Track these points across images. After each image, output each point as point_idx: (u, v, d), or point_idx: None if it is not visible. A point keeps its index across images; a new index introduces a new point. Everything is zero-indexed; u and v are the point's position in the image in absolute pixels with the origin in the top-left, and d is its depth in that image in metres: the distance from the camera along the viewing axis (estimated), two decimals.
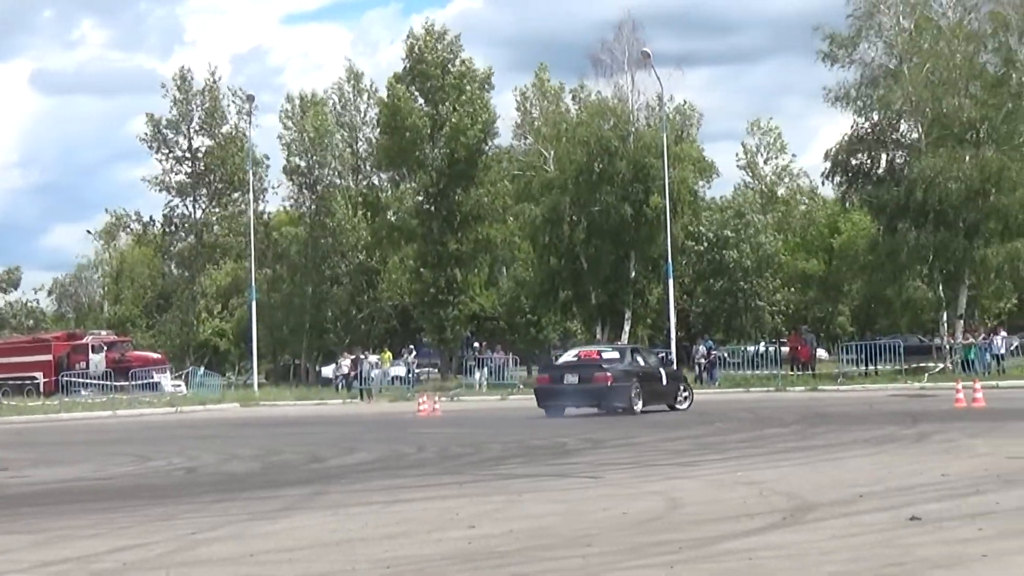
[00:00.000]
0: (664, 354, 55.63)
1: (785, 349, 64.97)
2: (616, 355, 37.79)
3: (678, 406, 37.33)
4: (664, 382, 37.77)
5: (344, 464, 22.78)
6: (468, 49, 77.99)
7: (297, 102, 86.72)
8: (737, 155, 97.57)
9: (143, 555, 12.27)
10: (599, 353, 38.54)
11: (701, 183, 72.69)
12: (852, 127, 60.68)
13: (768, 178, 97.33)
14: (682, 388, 38.49)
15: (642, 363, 37.74)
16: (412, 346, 70.94)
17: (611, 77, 67.09)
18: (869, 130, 60.33)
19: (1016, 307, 79.27)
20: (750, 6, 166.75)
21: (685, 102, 73.32)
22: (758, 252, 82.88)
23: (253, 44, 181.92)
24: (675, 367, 50.42)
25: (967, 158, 54.32)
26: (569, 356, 39.60)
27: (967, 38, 57.42)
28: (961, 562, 10.13)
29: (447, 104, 74.76)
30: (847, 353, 59.54)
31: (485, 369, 61.95)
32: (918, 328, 71.92)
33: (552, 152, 68.43)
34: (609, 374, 35.70)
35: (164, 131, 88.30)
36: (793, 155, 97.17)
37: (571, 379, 36.26)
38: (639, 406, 35.57)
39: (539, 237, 68.02)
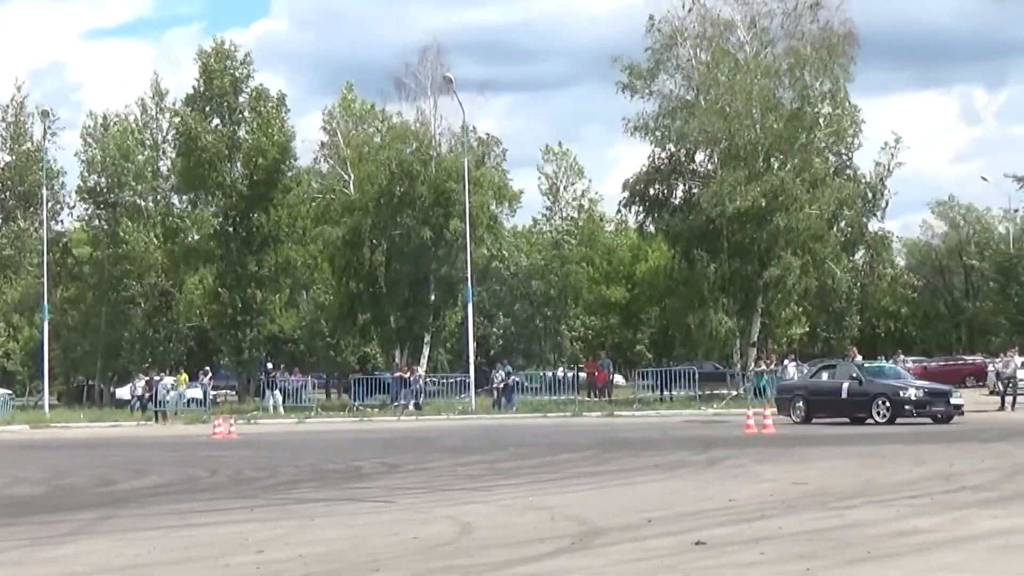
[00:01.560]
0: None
1: (583, 375, 65.52)
2: None
3: None
4: None
5: (135, 487, 22.44)
6: (272, 71, 78.32)
7: (100, 120, 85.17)
8: (538, 179, 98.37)
9: None
10: None
11: (503, 209, 72.79)
12: (650, 157, 61.51)
13: (569, 205, 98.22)
14: None
15: None
16: (208, 368, 70.04)
17: (414, 101, 67.09)
18: (666, 160, 61.17)
19: (807, 336, 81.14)
20: (554, 35, 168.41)
21: (487, 135, 73.46)
22: (565, 281, 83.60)
23: (52, 59, 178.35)
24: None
25: (759, 188, 55.36)
26: None
27: (764, 72, 58.58)
28: None
29: (244, 125, 74.19)
30: (644, 379, 60.25)
31: (278, 392, 61.36)
32: (714, 355, 73.16)
33: (353, 175, 68.14)
34: None
35: None
36: (589, 180, 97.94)
37: None
38: None
39: (339, 259, 67.64)
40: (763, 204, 55.43)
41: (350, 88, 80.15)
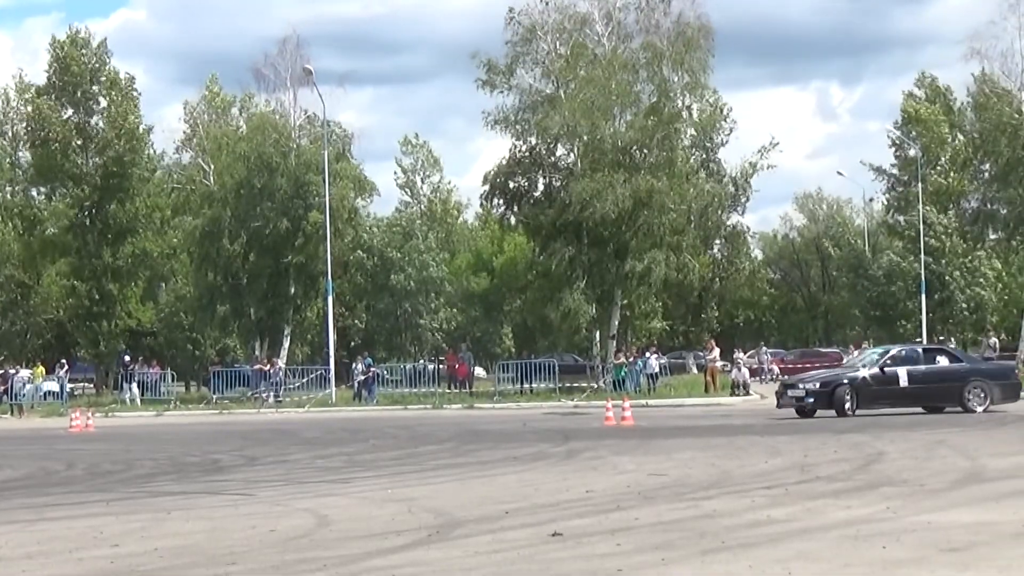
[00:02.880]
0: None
1: (444, 367, 65.56)
2: None
3: None
4: None
5: None
6: (132, 61, 77.49)
7: None
8: (395, 174, 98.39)
9: None
10: None
11: (361, 201, 72.53)
12: (511, 150, 61.64)
13: (427, 197, 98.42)
14: None
15: None
16: (65, 361, 69.06)
17: (274, 92, 66.70)
18: (527, 153, 61.33)
19: (667, 329, 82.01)
20: (415, 28, 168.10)
21: (341, 126, 72.93)
22: (422, 273, 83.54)
23: None
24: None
25: (621, 182, 55.68)
26: None
27: (622, 66, 58.95)
28: None
29: (96, 115, 73.37)
30: (504, 372, 60.43)
31: (135, 384, 60.74)
32: (574, 348, 73.56)
33: (213, 166, 67.56)
34: None
35: None
36: (441, 173, 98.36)
37: None
38: None
39: (198, 251, 67.02)
40: (631, 207, 55.79)
41: (214, 80, 79.33)
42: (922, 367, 35.70)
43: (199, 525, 14.62)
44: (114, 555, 12.22)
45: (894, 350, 37.70)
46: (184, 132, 74.56)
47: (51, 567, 11.70)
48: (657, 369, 55.99)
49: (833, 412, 34.19)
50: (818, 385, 35.44)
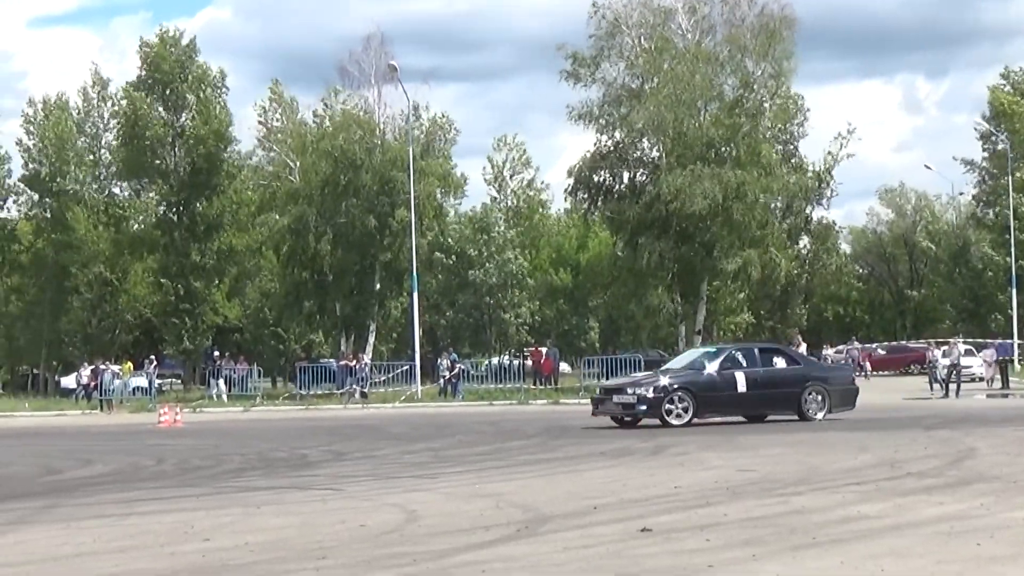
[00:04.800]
0: None
1: (529, 363, 65.64)
2: None
3: None
4: None
5: (80, 476, 22.33)
6: (216, 60, 77.66)
7: (40, 107, 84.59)
8: (484, 169, 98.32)
9: None
10: None
11: (449, 198, 72.80)
12: (595, 145, 61.57)
13: (514, 193, 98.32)
14: None
15: None
16: (153, 357, 69.74)
17: (358, 89, 67.08)
18: (612, 148, 61.23)
19: (753, 324, 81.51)
20: (498, 24, 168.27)
21: (443, 115, 72.87)
22: (503, 268, 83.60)
23: None
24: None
25: (708, 176, 55.46)
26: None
27: (705, 60, 58.78)
28: (687, 572, 10.38)
29: (186, 112, 73.95)
30: (589, 367, 60.32)
31: (222, 380, 61.25)
32: (659, 343, 73.33)
33: (298, 163, 67.94)
34: None
35: None
36: (537, 168, 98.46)
37: None
38: None
39: (284, 248, 67.49)
40: (720, 201, 55.54)
41: (278, 84, 79.24)
42: (760, 370, 32.06)
43: (288, 520, 14.66)
44: (205, 549, 12.28)
45: (727, 350, 33.66)
46: (263, 129, 74.98)
47: (143, 561, 11.77)
48: None
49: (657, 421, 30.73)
50: (651, 392, 30.96)
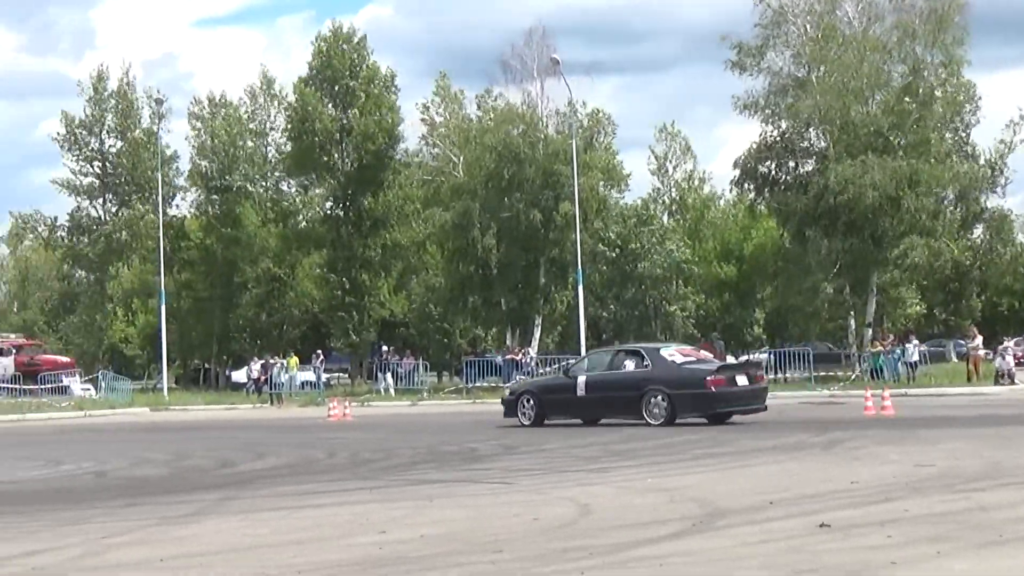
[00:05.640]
0: None
1: None
2: None
3: None
4: None
5: (255, 469, 22.64)
6: (378, 56, 77.78)
7: (206, 104, 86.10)
8: (648, 160, 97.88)
9: (54, 559, 12.14)
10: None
11: (612, 191, 72.68)
12: (760, 135, 61.07)
13: (677, 185, 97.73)
14: None
15: None
16: (320, 351, 70.57)
17: (520, 84, 67.24)
18: (778, 138, 60.66)
19: (925, 316, 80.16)
20: (659, 16, 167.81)
21: (599, 111, 72.94)
22: (667, 259, 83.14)
23: (165, 48, 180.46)
24: None
25: (877, 166, 54.66)
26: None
27: (873, 47, 57.96)
28: (870, 569, 10.17)
29: (355, 108, 74.52)
30: None
31: (389, 374, 61.78)
32: (827, 336, 72.44)
33: (461, 158, 68.32)
34: None
35: (77, 131, 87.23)
36: (695, 158, 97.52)
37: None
38: None
39: (449, 243, 67.92)
40: (893, 192, 54.72)
41: (444, 76, 79.80)
42: (604, 374, 31.96)
43: (461, 513, 14.68)
44: (381, 541, 12.33)
45: (593, 354, 35.45)
46: (426, 125, 75.45)
47: (321, 552, 11.85)
48: (916, 357, 54.54)
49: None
50: (510, 394, 33.97)
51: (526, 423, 32.01)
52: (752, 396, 31.06)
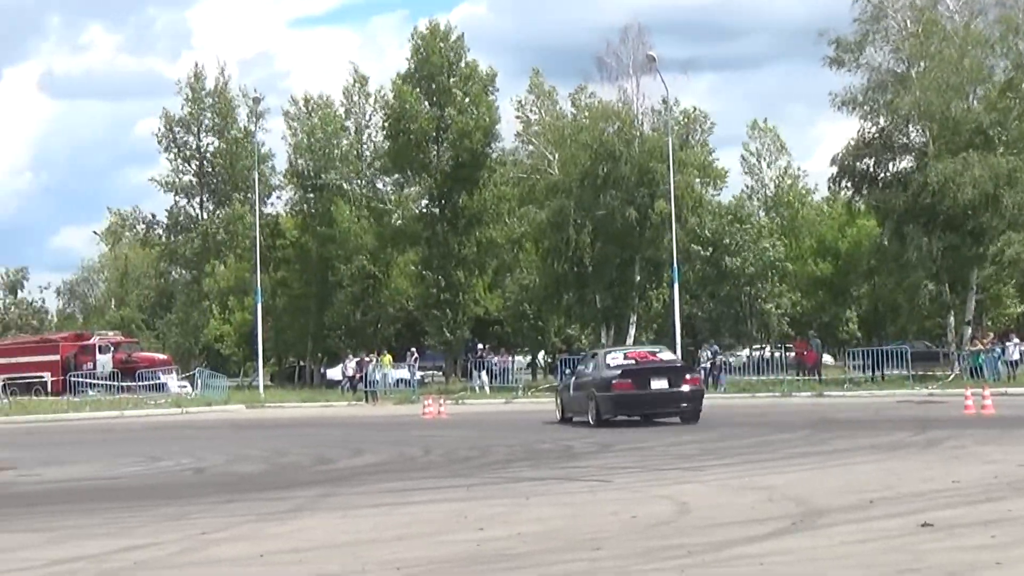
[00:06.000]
0: None
1: (792, 354, 64.72)
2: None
3: None
4: None
5: (352, 466, 22.78)
6: (472, 54, 77.54)
7: (302, 103, 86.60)
8: (743, 157, 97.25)
9: (154, 554, 12.27)
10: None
11: (709, 188, 72.37)
12: (859, 132, 60.46)
13: (771, 181, 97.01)
14: None
15: None
16: (414, 349, 70.77)
17: (616, 81, 66.84)
18: (876, 135, 60.04)
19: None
20: (755, 12, 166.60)
21: (695, 109, 72.67)
22: (761, 257, 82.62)
23: (260, 48, 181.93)
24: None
25: (978, 162, 53.94)
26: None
27: (975, 42, 57.22)
28: (974, 569, 10.07)
29: (452, 106, 74.53)
30: (854, 359, 59.30)
31: (484, 372, 61.86)
32: (925, 334, 71.68)
33: (556, 155, 68.22)
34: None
35: (175, 129, 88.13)
36: (790, 155, 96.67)
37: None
38: None
39: (543, 240, 67.89)
40: (993, 189, 54.02)
41: (538, 73, 79.58)
42: (579, 375, 34.48)
43: (559, 511, 14.68)
44: (480, 539, 12.35)
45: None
46: (520, 123, 75.36)
47: (421, 549, 11.89)
48: (1017, 356, 53.84)
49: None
50: None
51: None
52: (667, 400, 31.81)
